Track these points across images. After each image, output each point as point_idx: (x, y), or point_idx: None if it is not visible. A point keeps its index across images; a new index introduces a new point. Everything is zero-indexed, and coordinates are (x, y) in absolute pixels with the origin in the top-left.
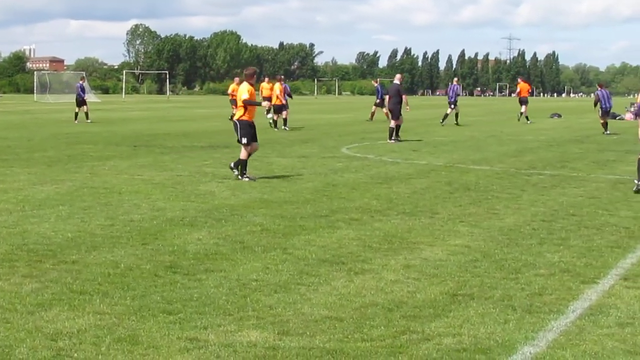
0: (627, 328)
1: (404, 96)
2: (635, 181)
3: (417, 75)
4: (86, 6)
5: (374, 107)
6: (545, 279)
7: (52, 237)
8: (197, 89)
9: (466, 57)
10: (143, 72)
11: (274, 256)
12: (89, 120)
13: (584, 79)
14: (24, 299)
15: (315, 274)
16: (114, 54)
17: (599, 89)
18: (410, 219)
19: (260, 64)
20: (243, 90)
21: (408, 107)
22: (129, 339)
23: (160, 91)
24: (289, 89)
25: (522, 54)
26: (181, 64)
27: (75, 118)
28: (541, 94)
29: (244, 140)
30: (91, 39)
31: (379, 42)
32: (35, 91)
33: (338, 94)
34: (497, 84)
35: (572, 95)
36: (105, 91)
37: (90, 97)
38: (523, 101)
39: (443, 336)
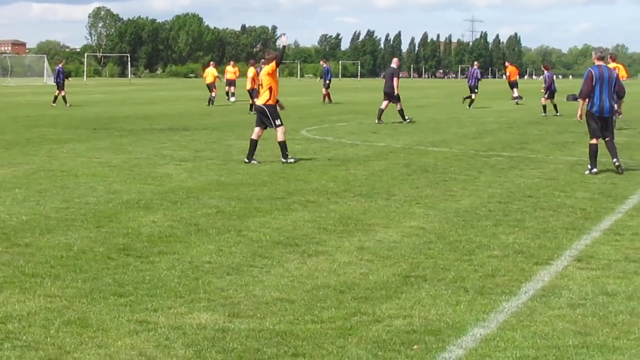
0: (578, 309)
1: (395, 79)
2: (589, 167)
3: (379, 58)
4: None
5: (324, 89)
6: (499, 261)
7: (6, 220)
8: (159, 72)
9: (428, 40)
10: (105, 55)
11: (228, 238)
12: (67, 105)
13: (547, 61)
14: None
15: (268, 256)
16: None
17: (546, 71)
18: (366, 201)
19: (222, 46)
20: (263, 74)
21: (397, 91)
22: (78, 321)
23: (123, 74)
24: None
25: (484, 36)
26: (143, 47)
27: (54, 101)
28: (503, 76)
29: (278, 122)
30: (53, 22)
31: (341, 25)
32: None
33: (300, 77)
34: (460, 66)
35: (534, 77)
36: (67, 74)
37: (50, 80)
38: (513, 84)
39: (394, 318)
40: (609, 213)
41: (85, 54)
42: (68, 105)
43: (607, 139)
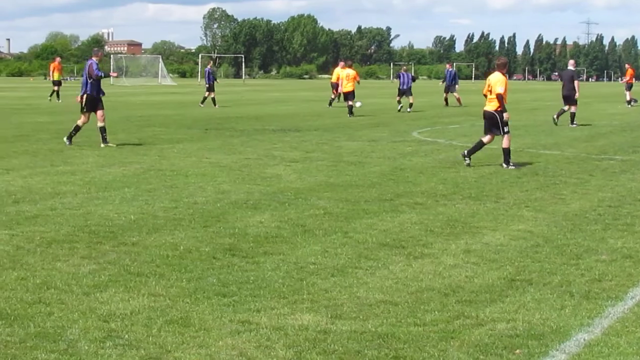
0: None
1: (576, 82)
2: None
3: (493, 60)
4: None
5: (444, 93)
6: (607, 265)
7: (114, 219)
8: (273, 72)
9: (544, 42)
10: (220, 55)
11: (334, 240)
12: (216, 106)
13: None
14: (81, 280)
15: (373, 258)
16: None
17: None
18: (474, 204)
19: (336, 48)
20: (499, 82)
21: (577, 94)
22: (180, 321)
23: (237, 75)
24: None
25: (600, 39)
26: (258, 48)
27: (202, 102)
28: (619, 79)
29: (506, 129)
30: (168, 23)
31: (455, 26)
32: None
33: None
34: (576, 69)
35: None
36: (182, 75)
37: (166, 80)
38: (629, 87)
39: (497, 321)
40: None
41: (200, 55)
42: (216, 106)
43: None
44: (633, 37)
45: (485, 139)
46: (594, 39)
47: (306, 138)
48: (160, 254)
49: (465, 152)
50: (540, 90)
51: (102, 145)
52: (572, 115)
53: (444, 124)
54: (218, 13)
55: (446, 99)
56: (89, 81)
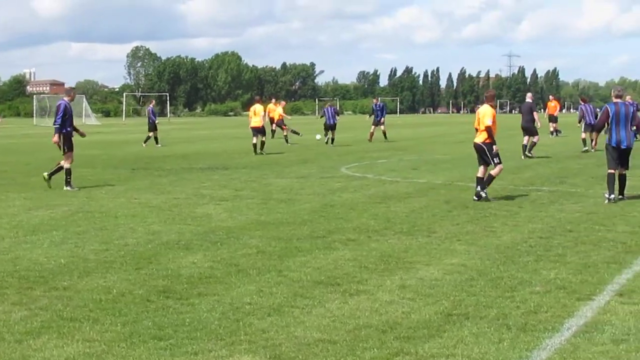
0: (621, 345)
1: (535, 113)
2: (605, 195)
3: (418, 94)
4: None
5: (372, 126)
6: (541, 297)
7: (44, 263)
8: (198, 110)
9: (466, 75)
10: (144, 94)
11: (268, 279)
12: (158, 145)
13: (584, 94)
14: (13, 327)
15: (309, 296)
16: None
17: (582, 103)
18: (407, 239)
19: (261, 85)
20: (487, 115)
21: (539, 124)
22: None
23: (162, 113)
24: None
25: (522, 71)
26: (182, 86)
27: (145, 142)
28: (541, 110)
29: (497, 160)
30: (92, 62)
31: (380, 61)
32: (34, 115)
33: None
34: (498, 101)
35: (572, 111)
36: (107, 114)
37: (90, 119)
38: (553, 119)
39: (436, 357)
40: None
41: (124, 94)
42: (159, 145)
43: (622, 172)
44: (555, 69)
45: (480, 172)
46: (516, 71)
47: (235, 176)
48: (93, 298)
49: (475, 196)
50: (466, 123)
51: (65, 188)
52: (532, 144)
53: (372, 159)
54: (142, 51)
55: (372, 134)
56: (64, 118)
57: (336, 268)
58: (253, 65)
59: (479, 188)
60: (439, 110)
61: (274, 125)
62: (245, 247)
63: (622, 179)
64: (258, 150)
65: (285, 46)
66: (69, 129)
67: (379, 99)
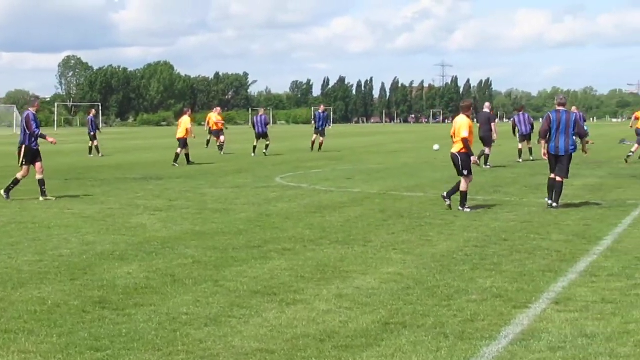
0: (558, 352)
1: (493, 124)
2: (546, 199)
3: (351, 104)
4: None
5: (314, 135)
6: (478, 305)
7: None
8: (131, 120)
9: (400, 85)
10: (75, 104)
11: (205, 289)
12: (100, 155)
13: (517, 105)
14: None
15: (246, 306)
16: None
17: (517, 113)
18: (343, 248)
19: (194, 94)
20: (464, 126)
21: (495, 135)
22: None
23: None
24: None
25: (455, 81)
26: (114, 96)
27: (90, 152)
28: (474, 120)
29: (466, 172)
30: (23, 71)
31: (313, 71)
32: None
33: (273, 123)
34: (431, 110)
35: (505, 120)
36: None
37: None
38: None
39: None
40: (584, 255)
41: (56, 104)
42: (100, 155)
43: (558, 178)
44: (488, 78)
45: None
46: (449, 81)
47: (169, 186)
48: (28, 309)
49: (446, 193)
50: (400, 133)
51: (41, 198)
52: (487, 157)
53: (306, 169)
54: (73, 61)
55: (313, 143)
56: (28, 133)
57: (273, 278)
58: (186, 75)
59: (460, 207)
60: (373, 120)
61: (211, 135)
62: (181, 257)
63: (558, 186)
64: (191, 160)
65: (218, 55)
66: (28, 144)
67: (323, 107)
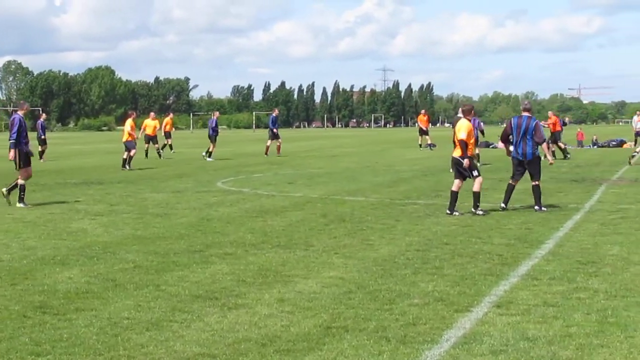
0: (500, 355)
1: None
2: (501, 203)
3: (292, 108)
4: None
5: (269, 140)
6: (420, 309)
7: None
8: (71, 125)
9: (341, 89)
10: (16, 109)
11: (146, 293)
12: (41, 160)
13: (458, 109)
14: None
15: (188, 311)
16: None
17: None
18: (284, 252)
19: (135, 99)
20: (462, 129)
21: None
22: None
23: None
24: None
25: (396, 85)
26: (55, 100)
27: (40, 157)
28: (416, 125)
29: (476, 173)
30: None
31: (255, 76)
32: None
33: None
34: (373, 115)
35: (446, 124)
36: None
37: None
38: (424, 132)
39: None
40: (525, 258)
41: None
42: (42, 160)
43: (532, 183)
44: (429, 83)
45: (455, 186)
46: (390, 86)
47: (110, 191)
48: None
49: (448, 209)
50: (341, 137)
51: (19, 204)
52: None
53: (248, 173)
54: (14, 66)
55: (268, 147)
56: (19, 132)
57: (214, 282)
58: (127, 80)
59: (473, 209)
60: (314, 125)
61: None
62: (122, 262)
63: (536, 191)
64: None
65: (160, 60)
66: (24, 142)
67: (277, 110)
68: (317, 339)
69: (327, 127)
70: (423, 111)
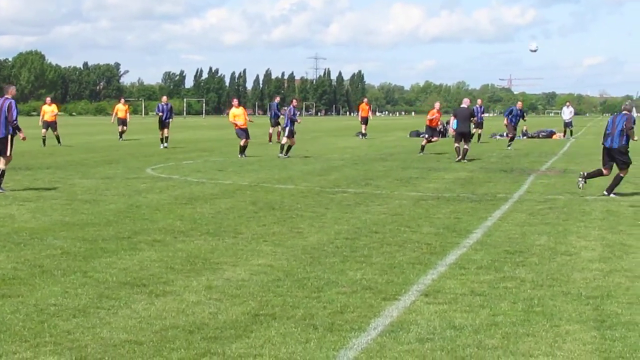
0: (427, 344)
1: (473, 119)
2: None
3: (224, 95)
4: None
5: (271, 127)
6: (347, 297)
7: None
8: None
9: (273, 77)
10: None
11: (73, 280)
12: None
13: (389, 98)
14: None
15: (115, 297)
16: None
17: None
18: (213, 240)
19: (65, 84)
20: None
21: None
22: None
23: None
24: None
25: (328, 73)
26: None
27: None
28: (347, 113)
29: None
30: None
31: (187, 62)
32: None
33: (145, 114)
34: (304, 103)
35: (377, 114)
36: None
37: None
38: (365, 120)
39: (244, 357)
40: (454, 247)
41: None
42: None
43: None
44: (360, 71)
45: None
46: (322, 74)
47: (38, 176)
48: None
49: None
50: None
51: None
52: (465, 152)
53: (178, 160)
54: None
55: (271, 135)
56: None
57: (142, 269)
58: (57, 65)
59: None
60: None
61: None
62: (50, 248)
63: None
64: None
65: (92, 46)
66: (10, 129)
67: (278, 98)
68: (245, 327)
69: (259, 114)
70: (365, 100)
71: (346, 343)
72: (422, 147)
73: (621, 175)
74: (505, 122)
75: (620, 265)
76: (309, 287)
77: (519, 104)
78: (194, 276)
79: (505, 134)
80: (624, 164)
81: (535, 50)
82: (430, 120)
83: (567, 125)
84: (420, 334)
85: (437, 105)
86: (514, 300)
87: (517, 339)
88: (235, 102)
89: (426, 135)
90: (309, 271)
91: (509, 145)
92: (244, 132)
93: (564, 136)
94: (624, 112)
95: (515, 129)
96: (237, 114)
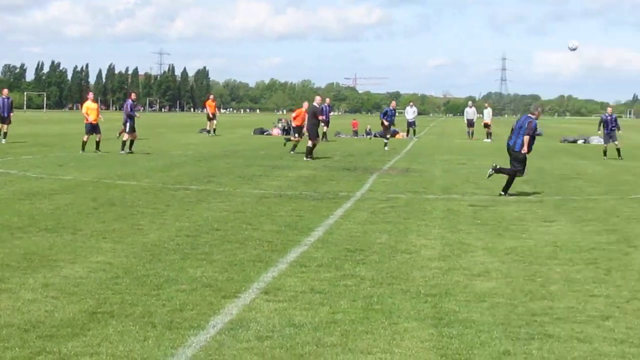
0: (266, 341)
1: (321, 117)
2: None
3: (66, 89)
4: None
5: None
6: (187, 295)
7: None
8: None
9: (117, 72)
10: None
11: None
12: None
13: (234, 95)
14: None
15: None
16: None
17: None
18: (51, 236)
19: None
20: None
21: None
22: None
23: None
24: None
25: (172, 69)
26: None
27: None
28: (191, 109)
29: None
30: None
31: (28, 55)
32: None
33: None
34: (148, 98)
35: (222, 110)
36: None
37: None
38: (212, 117)
39: (80, 356)
40: (295, 245)
41: None
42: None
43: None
44: (205, 68)
45: None
46: (166, 70)
47: None
48: None
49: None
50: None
51: None
52: (309, 149)
53: (16, 155)
54: None
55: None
56: None
57: None
58: None
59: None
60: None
61: None
62: None
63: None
64: None
65: None
66: None
67: (134, 95)
68: (82, 325)
69: (102, 109)
70: (212, 96)
71: (185, 341)
72: (294, 147)
73: (517, 175)
74: (385, 123)
75: (459, 263)
76: (148, 284)
77: (393, 104)
78: (31, 273)
79: (379, 133)
80: (514, 169)
81: (575, 49)
82: (294, 118)
83: (410, 124)
84: (260, 332)
85: (305, 105)
86: (353, 298)
87: (356, 336)
88: (90, 95)
89: (296, 135)
90: (149, 268)
91: (385, 145)
92: (93, 128)
93: (407, 136)
94: (528, 114)
95: (389, 128)
96: (91, 107)
